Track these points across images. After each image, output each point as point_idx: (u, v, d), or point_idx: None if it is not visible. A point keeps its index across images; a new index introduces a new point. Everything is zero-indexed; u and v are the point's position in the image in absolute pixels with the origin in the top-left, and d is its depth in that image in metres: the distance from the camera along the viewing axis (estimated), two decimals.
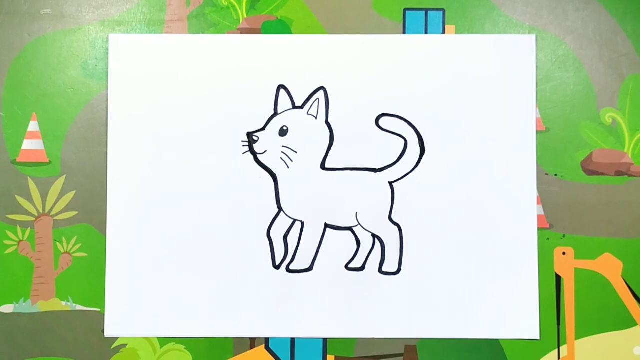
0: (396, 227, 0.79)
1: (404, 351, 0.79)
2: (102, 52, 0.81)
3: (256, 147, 0.79)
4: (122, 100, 0.79)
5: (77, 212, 0.80)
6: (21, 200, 0.80)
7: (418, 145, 0.79)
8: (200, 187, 0.79)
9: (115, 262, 0.79)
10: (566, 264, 0.79)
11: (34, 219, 0.80)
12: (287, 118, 0.79)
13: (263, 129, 0.79)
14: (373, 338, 0.79)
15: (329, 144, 0.79)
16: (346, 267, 0.79)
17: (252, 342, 0.79)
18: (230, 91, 0.79)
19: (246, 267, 0.79)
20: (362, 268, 0.79)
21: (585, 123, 0.80)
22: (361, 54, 0.80)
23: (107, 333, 0.79)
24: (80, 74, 0.81)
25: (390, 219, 0.79)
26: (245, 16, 0.81)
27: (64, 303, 0.79)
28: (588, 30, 0.81)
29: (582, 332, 0.79)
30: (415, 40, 0.80)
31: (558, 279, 0.79)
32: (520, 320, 0.79)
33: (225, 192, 0.79)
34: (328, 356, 0.79)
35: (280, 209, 0.79)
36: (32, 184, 0.80)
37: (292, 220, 0.79)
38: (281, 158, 0.79)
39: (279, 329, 0.79)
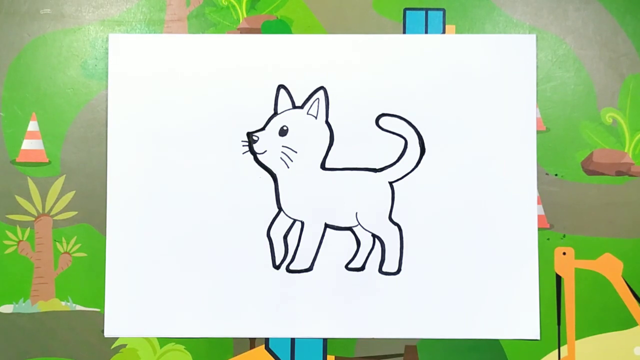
0: (396, 227, 0.79)
1: (404, 351, 0.79)
2: (101, 52, 0.81)
3: (256, 147, 0.79)
4: (121, 100, 0.79)
5: (76, 212, 0.80)
6: (21, 200, 0.80)
7: (418, 145, 0.79)
8: (200, 187, 0.79)
9: (115, 262, 0.79)
10: (566, 264, 0.79)
11: (34, 219, 0.80)
12: (287, 118, 0.79)
13: (263, 128, 0.79)
14: (373, 338, 0.79)
15: (329, 144, 0.79)
16: (346, 267, 0.79)
17: (252, 342, 0.79)
18: (230, 91, 0.79)
19: (246, 267, 0.79)
20: (362, 268, 0.79)
21: (585, 123, 0.80)
22: (361, 54, 0.80)
23: (107, 333, 0.79)
24: (80, 74, 0.81)
25: (390, 219, 0.79)
26: (245, 16, 0.81)
27: (63, 303, 0.79)
28: (588, 30, 0.81)
29: (583, 332, 0.79)
30: (415, 40, 0.80)
31: (558, 279, 0.79)
32: (521, 321, 0.78)
33: (225, 192, 0.79)
34: (328, 356, 0.79)
35: (280, 209, 0.79)
36: (31, 184, 0.80)
37: (292, 220, 0.79)
38: (281, 158, 0.79)
39: (279, 329, 0.79)
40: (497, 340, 0.79)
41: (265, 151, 0.79)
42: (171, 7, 0.81)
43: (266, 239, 0.79)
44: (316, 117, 0.79)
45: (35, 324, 0.79)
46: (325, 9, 0.81)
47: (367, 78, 0.79)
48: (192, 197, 0.79)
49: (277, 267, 0.79)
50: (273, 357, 0.79)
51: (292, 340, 0.79)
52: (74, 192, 0.80)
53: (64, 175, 0.80)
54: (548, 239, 0.79)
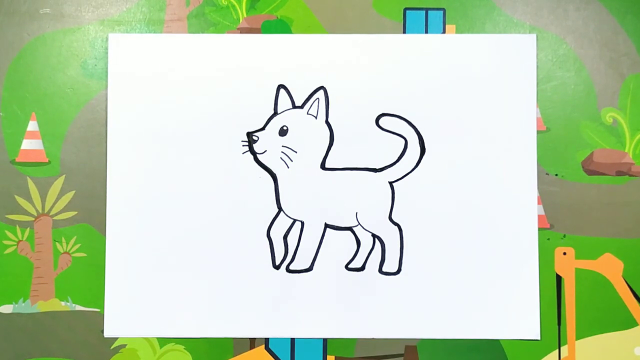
0: (396, 227, 0.79)
1: (404, 351, 0.79)
2: (101, 51, 0.81)
3: (256, 147, 0.79)
4: (121, 100, 0.79)
5: (76, 212, 0.80)
6: (20, 200, 0.80)
7: (418, 145, 0.79)
8: (200, 187, 0.79)
9: (115, 262, 0.78)
10: (567, 264, 0.79)
11: (33, 219, 0.80)
12: (287, 118, 0.79)
13: (263, 128, 0.79)
14: (373, 338, 0.79)
15: (329, 143, 0.79)
16: (346, 267, 0.79)
17: (252, 343, 0.79)
18: (230, 91, 0.79)
19: (246, 267, 0.79)
20: (362, 268, 0.79)
21: (585, 123, 0.80)
22: (361, 53, 0.80)
23: (107, 333, 0.79)
24: (79, 74, 0.81)
25: (390, 219, 0.79)
26: (245, 16, 0.81)
27: (63, 303, 0.79)
28: (589, 30, 0.81)
29: (583, 332, 0.79)
30: (415, 40, 0.80)
31: (559, 279, 0.79)
32: (521, 321, 0.78)
33: (225, 192, 0.79)
34: (328, 356, 0.79)
35: (280, 209, 0.79)
36: (31, 184, 0.80)
37: (292, 220, 0.79)
38: (281, 158, 0.79)
39: (279, 329, 0.79)
40: (497, 341, 0.79)
41: (265, 151, 0.79)
42: (171, 7, 0.81)
43: (266, 239, 0.79)
44: (316, 117, 0.79)
45: (35, 324, 0.79)
46: (325, 9, 0.81)
47: (367, 78, 0.79)
48: (191, 197, 0.79)
49: (277, 267, 0.79)
50: (273, 357, 0.79)
51: (292, 340, 0.79)
52: (74, 192, 0.80)
53: (64, 175, 0.80)
54: (548, 239, 0.79)
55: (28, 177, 0.80)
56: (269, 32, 0.80)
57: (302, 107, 0.79)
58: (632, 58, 0.81)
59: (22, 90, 0.80)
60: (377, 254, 0.79)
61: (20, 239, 0.80)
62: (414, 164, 0.79)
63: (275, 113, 0.79)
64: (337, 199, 0.79)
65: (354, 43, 0.80)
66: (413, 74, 0.79)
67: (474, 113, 0.79)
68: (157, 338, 0.79)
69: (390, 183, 0.79)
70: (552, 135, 0.80)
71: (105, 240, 0.79)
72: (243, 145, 0.79)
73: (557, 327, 0.79)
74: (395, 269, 0.79)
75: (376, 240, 0.79)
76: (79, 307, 0.79)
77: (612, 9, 0.81)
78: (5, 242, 0.80)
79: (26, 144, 0.80)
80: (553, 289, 0.79)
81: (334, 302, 0.79)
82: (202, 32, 0.81)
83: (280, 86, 0.79)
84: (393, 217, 0.79)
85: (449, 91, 0.79)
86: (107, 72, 0.80)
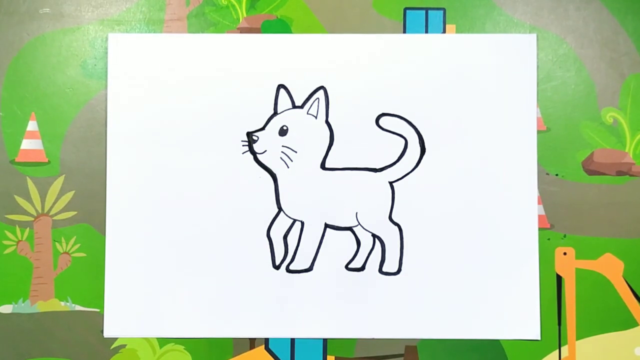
0: (396, 227, 0.79)
1: (404, 351, 0.79)
2: (101, 51, 0.81)
3: (256, 146, 0.79)
4: (121, 100, 0.79)
5: (76, 212, 0.80)
6: (20, 200, 0.80)
7: (418, 145, 0.79)
8: (200, 187, 0.79)
9: (115, 262, 0.78)
10: (567, 264, 0.79)
11: (33, 219, 0.80)
12: (287, 118, 0.79)
13: (263, 128, 0.79)
14: (373, 338, 0.79)
15: (329, 143, 0.79)
16: (346, 267, 0.79)
17: (252, 343, 0.79)
18: (230, 91, 0.79)
19: (246, 267, 0.79)
20: (362, 268, 0.79)
21: (586, 123, 0.80)
22: (361, 53, 0.79)
23: (107, 333, 0.79)
24: (79, 74, 0.81)
25: (390, 219, 0.79)
26: (245, 15, 0.81)
27: (63, 303, 0.79)
28: (589, 30, 0.81)
29: (583, 332, 0.79)
30: (415, 40, 0.80)
31: (559, 279, 0.79)
32: (521, 321, 0.78)
33: (225, 192, 0.79)
34: (328, 356, 0.79)
35: (280, 209, 0.79)
36: (31, 184, 0.80)
37: (292, 220, 0.79)
38: (281, 158, 0.79)
39: (279, 329, 0.79)
40: (497, 341, 0.79)
41: (265, 151, 0.79)
42: (171, 7, 0.81)
43: (266, 239, 0.79)
44: (316, 117, 0.79)
45: (35, 324, 0.79)
46: (325, 9, 0.81)
47: (367, 78, 0.79)
48: (191, 197, 0.79)
49: (277, 267, 0.79)
50: (273, 357, 0.79)
51: (292, 340, 0.79)
52: (74, 192, 0.80)
53: (63, 175, 0.80)
54: (548, 239, 0.79)
55: (28, 177, 0.80)
56: (269, 32, 0.80)
57: (302, 107, 0.79)
58: (633, 58, 0.80)
59: (22, 90, 0.80)
60: (377, 254, 0.79)
61: (20, 239, 0.80)
62: (414, 164, 0.79)
63: (275, 113, 0.79)
64: (337, 199, 0.79)
65: (354, 43, 0.80)
66: (413, 74, 0.79)
67: (474, 113, 0.79)
68: (157, 338, 0.79)
69: (391, 183, 0.79)
70: (553, 135, 0.80)
71: (105, 240, 0.79)
72: (243, 145, 0.79)
73: (557, 327, 0.79)
74: (395, 269, 0.79)
75: (376, 240, 0.79)
76: (78, 307, 0.79)
77: (612, 8, 0.81)
78: (5, 242, 0.80)
79: (26, 144, 0.80)
80: (553, 289, 0.79)
81: (334, 302, 0.78)
82: (202, 32, 0.81)
83: (280, 86, 0.79)
84: (393, 217, 0.79)
85: (449, 91, 0.79)
86: (106, 72, 0.80)
